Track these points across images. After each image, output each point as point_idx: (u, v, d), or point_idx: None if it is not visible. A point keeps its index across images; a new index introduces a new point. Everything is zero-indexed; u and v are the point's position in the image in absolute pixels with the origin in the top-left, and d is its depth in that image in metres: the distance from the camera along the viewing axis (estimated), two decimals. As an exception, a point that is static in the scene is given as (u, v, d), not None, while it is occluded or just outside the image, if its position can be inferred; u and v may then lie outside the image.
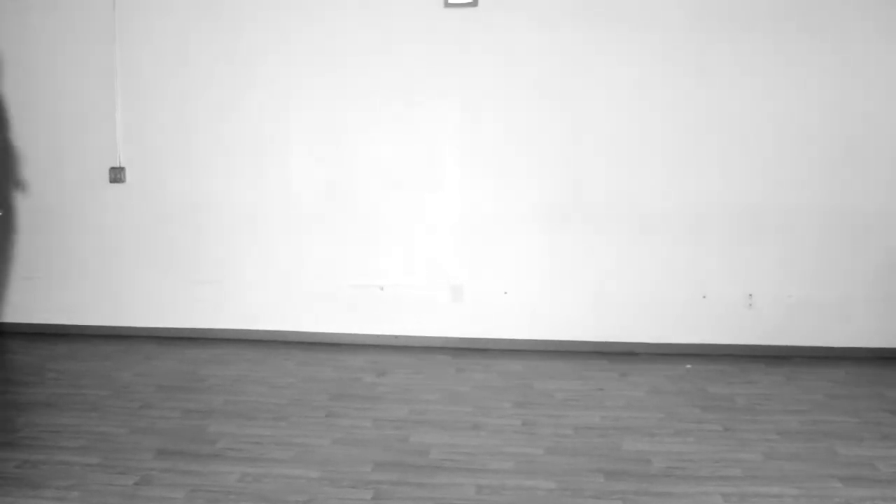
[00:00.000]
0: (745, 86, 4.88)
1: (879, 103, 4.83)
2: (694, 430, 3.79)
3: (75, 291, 5.51)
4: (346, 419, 3.93)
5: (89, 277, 5.49)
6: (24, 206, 5.49)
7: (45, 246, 5.50)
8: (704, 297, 5.01)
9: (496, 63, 5.02)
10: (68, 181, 5.43)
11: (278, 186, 5.25)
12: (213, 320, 5.41)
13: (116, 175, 5.38)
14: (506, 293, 5.17)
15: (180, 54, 5.25)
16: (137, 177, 5.38)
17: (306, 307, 5.33)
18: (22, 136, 5.45)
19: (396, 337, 5.28)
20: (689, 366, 4.74)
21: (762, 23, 4.83)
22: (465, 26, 5.02)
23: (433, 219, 5.18)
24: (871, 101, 4.83)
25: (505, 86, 5.03)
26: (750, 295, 4.95)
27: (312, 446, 3.56)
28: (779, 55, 4.85)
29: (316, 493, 3.08)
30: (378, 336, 5.28)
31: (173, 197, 5.35)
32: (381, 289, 5.25)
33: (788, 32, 4.82)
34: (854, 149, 4.86)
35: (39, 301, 5.55)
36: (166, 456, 3.43)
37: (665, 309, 5.06)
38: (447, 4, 5.00)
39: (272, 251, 5.31)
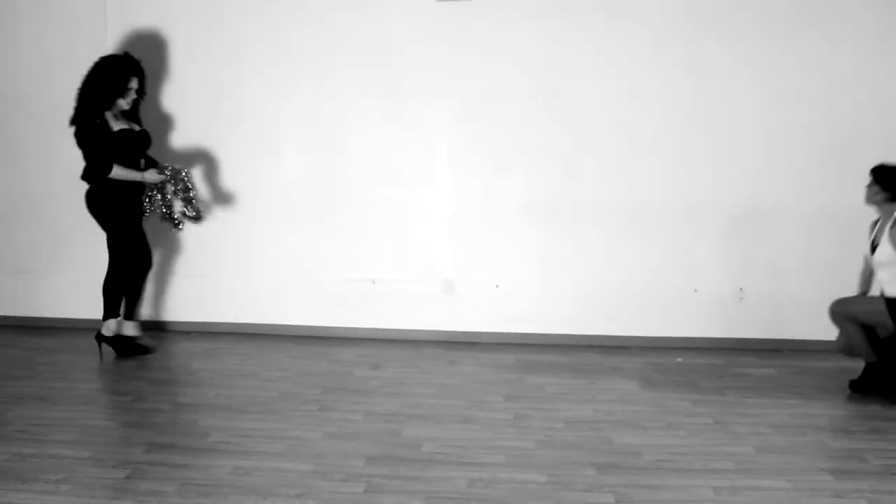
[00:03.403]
0: (738, 83, 4.89)
1: (871, 102, 4.83)
2: (685, 423, 3.79)
3: (67, 284, 5.49)
4: (338, 413, 3.92)
5: (81, 270, 5.45)
6: (15, 199, 5.47)
7: (36, 239, 5.48)
8: (696, 290, 5.02)
9: (489, 58, 5.02)
10: (59, 174, 5.39)
11: (270, 180, 5.23)
12: (205, 314, 5.40)
13: (107, 168, 5.35)
14: (497, 287, 5.17)
15: (170, 46, 5.23)
16: (128, 170, 5.35)
17: (298, 301, 5.33)
18: (14, 128, 5.43)
19: (388, 330, 5.27)
20: (680, 359, 4.75)
21: (756, 20, 4.84)
22: (458, 21, 5.01)
23: (425, 213, 5.18)
24: (863, 100, 4.84)
25: (497, 81, 5.03)
26: (741, 289, 4.96)
27: (304, 440, 3.56)
28: (771, 53, 4.86)
29: (308, 486, 3.08)
30: (370, 329, 5.27)
31: (164, 190, 5.33)
32: (373, 282, 5.24)
33: (781, 30, 4.83)
34: (845, 146, 4.87)
35: (30, 294, 5.53)
36: (157, 449, 3.42)
37: (656, 303, 5.06)
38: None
39: (264, 245, 5.30)
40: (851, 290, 4.93)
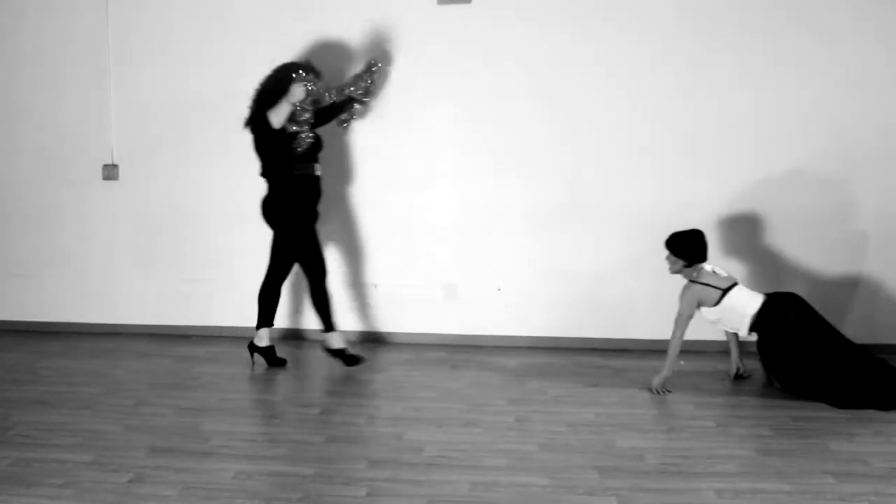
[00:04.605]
0: (740, 86, 4.88)
1: (873, 104, 4.83)
2: (687, 426, 3.79)
3: (68, 288, 5.50)
4: (340, 416, 3.92)
5: (83, 274, 5.48)
6: (17, 203, 5.48)
7: (38, 243, 5.49)
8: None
9: (490, 62, 5.02)
10: (61, 178, 5.42)
11: (272, 183, 5.23)
12: (208, 318, 5.41)
13: (110, 172, 5.37)
14: (500, 290, 5.17)
15: (174, 52, 5.25)
16: (131, 174, 5.37)
17: (301, 305, 5.33)
18: (16, 132, 5.44)
19: (390, 334, 5.27)
20: (682, 362, 4.73)
21: (757, 24, 4.83)
22: (459, 25, 5.01)
23: (427, 217, 5.17)
24: (864, 103, 4.83)
25: (499, 85, 5.03)
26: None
27: (306, 443, 3.56)
28: (772, 56, 4.84)
29: (310, 490, 3.08)
30: (372, 333, 5.27)
31: (167, 194, 5.34)
32: (376, 286, 5.24)
33: (782, 34, 4.82)
34: (846, 148, 4.86)
35: (32, 298, 5.54)
36: (160, 453, 3.42)
37: (658, 306, 5.04)
38: (440, 2, 5.00)
39: (266, 249, 5.29)
40: (855, 293, 4.95)
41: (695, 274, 4.30)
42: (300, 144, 4.53)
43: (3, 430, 3.67)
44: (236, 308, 5.36)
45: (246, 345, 4.83)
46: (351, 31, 5.08)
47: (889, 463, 3.32)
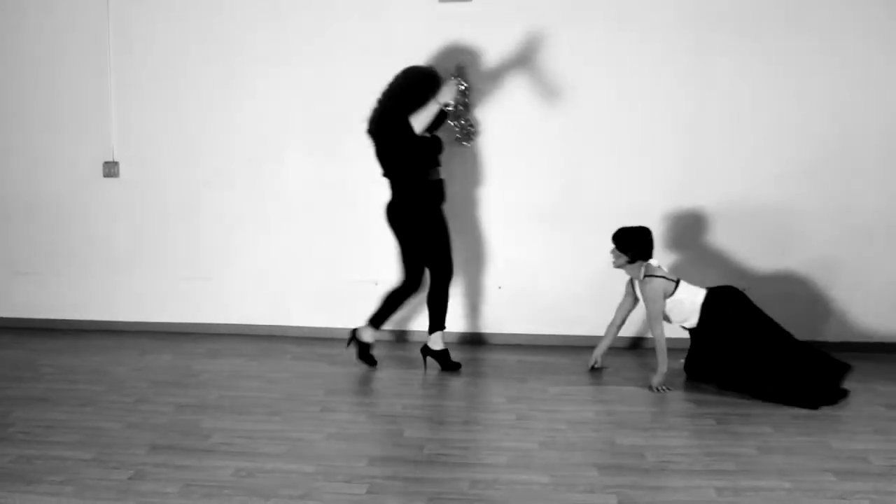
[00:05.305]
0: (739, 87, 4.89)
1: (874, 104, 4.84)
2: (687, 424, 3.80)
3: (69, 286, 5.51)
4: (340, 414, 3.93)
5: (83, 272, 5.48)
6: (18, 200, 5.48)
7: (38, 240, 5.49)
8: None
9: (490, 60, 5.02)
10: (62, 175, 5.42)
11: (274, 182, 5.24)
12: (208, 315, 5.41)
13: (110, 170, 5.37)
14: (500, 288, 5.17)
15: (175, 50, 5.25)
16: (131, 171, 5.37)
17: (301, 302, 5.33)
18: (16, 129, 5.44)
19: (391, 332, 5.27)
20: (682, 361, 4.74)
21: (759, 26, 4.83)
22: (459, 23, 5.01)
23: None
24: (866, 102, 4.84)
25: (499, 84, 5.03)
26: (745, 288, 4.94)
27: (307, 441, 3.56)
28: (770, 56, 4.85)
29: (310, 487, 3.08)
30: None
31: (168, 191, 5.34)
32: (376, 284, 5.24)
33: (783, 35, 4.83)
34: (850, 149, 4.88)
35: (33, 296, 5.54)
36: (160, 451, 3.43)
37: (659, 304, 5.06)
38: (441, 0, 5.00)
39: (267, 246, 5.30)
40: (856, 291, 4.95)
41: (645, 269, 4.36)
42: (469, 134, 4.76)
43: (4, 427, 3.68)
44: (238, 305, 5.37)
45: (246, 342, 4.83)
46: (351, 29, 5.08)
47: (889, 461, 3.32)
